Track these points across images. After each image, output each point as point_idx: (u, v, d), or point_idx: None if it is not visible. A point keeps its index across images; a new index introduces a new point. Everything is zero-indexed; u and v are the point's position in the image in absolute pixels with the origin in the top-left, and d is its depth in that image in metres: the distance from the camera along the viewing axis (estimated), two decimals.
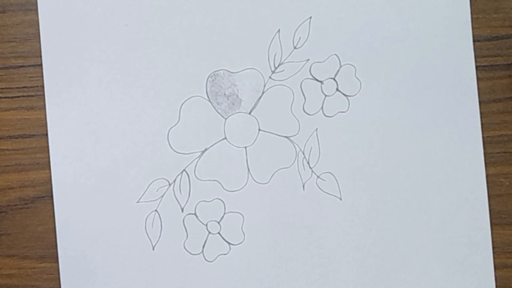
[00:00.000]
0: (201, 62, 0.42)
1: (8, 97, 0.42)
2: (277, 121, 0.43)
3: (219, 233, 0.42)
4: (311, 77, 0.43)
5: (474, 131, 0.43)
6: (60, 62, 0.42)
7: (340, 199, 0.43)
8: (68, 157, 0.42)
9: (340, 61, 0.43)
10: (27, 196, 0.42)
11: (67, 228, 0.42)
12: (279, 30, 0.43)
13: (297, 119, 0.43)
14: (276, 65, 0.43)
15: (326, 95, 0.43)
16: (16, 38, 0.42)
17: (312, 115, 0.43)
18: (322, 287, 0.43)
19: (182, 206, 0.42)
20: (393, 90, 0.43)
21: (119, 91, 0.42)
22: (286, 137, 0.43)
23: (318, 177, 0.43)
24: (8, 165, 0.42)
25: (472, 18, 0.43)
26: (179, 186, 0.42)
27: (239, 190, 0.42)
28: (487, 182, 0.43)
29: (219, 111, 0.43)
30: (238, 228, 0.42)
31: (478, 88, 0.43)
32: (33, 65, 0.42)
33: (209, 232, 0.42)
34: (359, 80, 0.43)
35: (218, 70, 0.42)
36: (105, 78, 0.42)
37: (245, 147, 0.42)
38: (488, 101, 0.43)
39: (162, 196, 0.42)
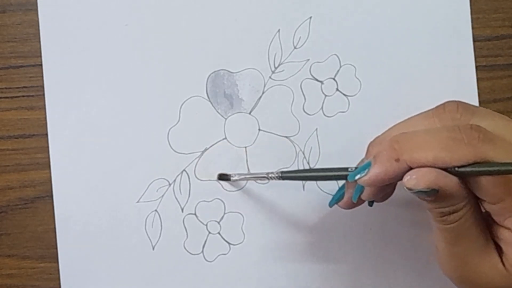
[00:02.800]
0: (201, 62, 0.42)
1: (8, 97, 0.42)
2: (277, 121, 0.43)
3: (219, 233, 0.42)
4: (311, 77, 0.43)
5: None
6: (60, 62, 0.42)
7: None
8: (68, 157, 0.42)
9: (340, 61, 0.43)
10: (27, 196, 0.42)
11: (67, 228, 0.42)
12: (279, 30, 0.43)
13: (297, 119, 0.43)
14: (276, 65, 0.43)
15: (326, 95, 0.43)
16: (16, 38, 0.42)
17: (312, 115, 0.43)
18: (321, 287, 0.43)
19: (182, 206, 0.42)
20: (393, 90, 0.43)
21: (119, 91, 0.42)
22: (286, 137, 0.43)
23: None
24: (8, 165, 0.42)
25: (472, 18, 0.43)
26: (179, 186, 0.42)
27: (239, 190, 0.42)
28: None
29: (219, 111, 0.43)
30: (238, 228, 0.42)
31: (478, 88, 0.43)
32: (33, 65, 0.42)
33: (209, 232, 0.42)
34: (359, 80, 0.43)
35: (218, 70, 0.42)
36: (105, 78, 0.42)
37: (245, 147, 0.42)
38: (488, 101, 0.43)
39: (162, 196, 0.42)
